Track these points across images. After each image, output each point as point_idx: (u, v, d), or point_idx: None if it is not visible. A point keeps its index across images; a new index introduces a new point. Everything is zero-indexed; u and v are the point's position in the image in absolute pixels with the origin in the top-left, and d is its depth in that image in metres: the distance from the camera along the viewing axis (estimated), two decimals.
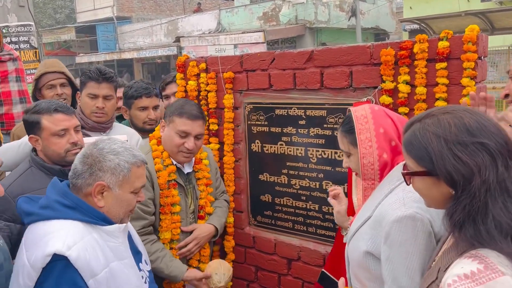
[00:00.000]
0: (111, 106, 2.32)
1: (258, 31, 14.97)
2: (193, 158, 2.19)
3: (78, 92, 2.37)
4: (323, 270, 1.57)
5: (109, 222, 1.45)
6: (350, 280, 1.51)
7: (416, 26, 12.80)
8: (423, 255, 1.22)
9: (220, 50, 15.01)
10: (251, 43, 14.69)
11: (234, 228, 2.50)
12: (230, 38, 15.44)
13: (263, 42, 14.51)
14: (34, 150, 1.90)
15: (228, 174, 2.43)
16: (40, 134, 1.81)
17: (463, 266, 0.95)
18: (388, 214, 1.28)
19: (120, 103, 3.04)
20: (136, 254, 1.59)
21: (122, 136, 2.20)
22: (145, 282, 1.57)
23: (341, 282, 1.51)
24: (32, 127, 1.83)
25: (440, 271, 1.02)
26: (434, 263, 1.11)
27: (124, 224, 1.49)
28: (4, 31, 5.29)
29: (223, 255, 2.52)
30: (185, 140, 2.05)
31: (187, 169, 2.17)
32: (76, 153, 1.79)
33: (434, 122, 1.04)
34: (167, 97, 2.84)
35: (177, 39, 17.40)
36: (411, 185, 1.13)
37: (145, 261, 1.64)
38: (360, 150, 1.43)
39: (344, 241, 1.59)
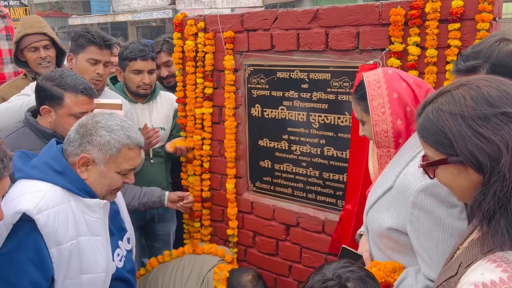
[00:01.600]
0: (108, 72, 2.31)
1: None
2: None
3: (70, 54, 2.26)
4: (343, 246, 1.55)
5: (92, 195, 1.43)
6: (370, 248, 1.48)
7: None
8: (453, 222, 1.17)
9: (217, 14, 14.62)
10: (249, 7, 14.31)
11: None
12: (227, 1, 15.03)
13: (261, 6, 14.14)
14: (29, 111, 1.85)
15: (229, 139, 2.37)
16: (58, 109, 1.76)
17: (484, 272, 0.83)
18: (412, 184, 1.21)
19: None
20: (120, 231, 1.58)
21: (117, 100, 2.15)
22: (120, 260, 1.56)
23: (366, 255, 1.48)
24: (50, 98, 1.75)
25: (461, 266, 0.92)
26: (455, 255, 1.01)
27: (105, 201, 1.46)
28: None
29: (226, 221, 2.50)
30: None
31: None
32: None
33: (448, 100, 0.90)
34: (158, 67, 2.68)
35: (173, 2, 16.91)
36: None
37: (128, 239, 1.62)
38: (372, 117, 1.36)
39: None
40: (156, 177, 2.53)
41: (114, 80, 2.74)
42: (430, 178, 1.00)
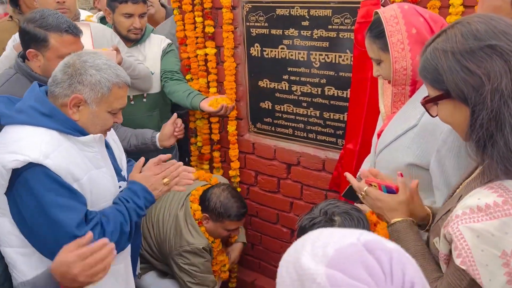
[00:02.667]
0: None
1: None
2: None
3: (106, 9, 2.32)
4: (351, 184, 1.59)
5: (83, 133, 1.42)
6: None
7: None
8: None
9: None
10: None
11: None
12: None
13: None
14: (20, 56, 1.80)
15: (228, 80, 2.34)
16: (44, 52, 1.70)
17: (480, 197, 0.89)
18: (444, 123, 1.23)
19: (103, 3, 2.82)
20: (116, 168, 1.59)
21: (112, 52, 2.04)
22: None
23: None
24: (34, 41, 1.68)
25: (461, 198, 0.97)
26: (456, 191, 1.06)
27: (99, 134, 1.46)
28: None
29: (229, 162, 2.55)
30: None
31: None
32: None
33: (443, 38, 0.94)
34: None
35: None
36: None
37: (124, 176, 1.64)
38: (392, 54, 1.32)
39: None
40: (146, 125, 2.42)
41: (103, 20, 2.65)
42: (432, 116, 1.04)
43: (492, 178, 0.91)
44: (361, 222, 1.35)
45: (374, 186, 1.24)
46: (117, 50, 2.06)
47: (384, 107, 1.54)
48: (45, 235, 1.32)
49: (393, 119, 1.45)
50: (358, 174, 1.71)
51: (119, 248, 1.45)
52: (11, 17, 2.54)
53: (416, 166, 1.33)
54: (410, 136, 1.34)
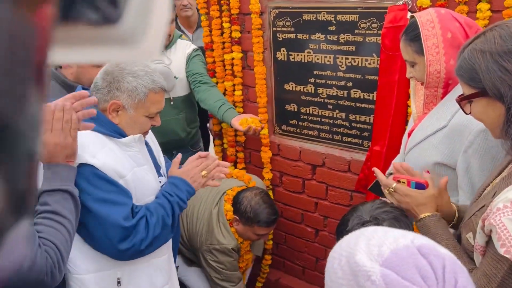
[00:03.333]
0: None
1: None
2: None
3: None
4: (377, 180, 1.64)
5: (124, 135, 1.51)
6: None
7: None
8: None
9: None
10: None
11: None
12: None
13: None
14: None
15: (260, 85, 2.40)
16: None
17: None
18: (472, 123, 1.27)
19: None
20: (155, 165, 1.67)
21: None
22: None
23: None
24: None
25: (496, 194, 1.01)
26: (486, 190, 1.10)
27: (139, 135, 1.54)
28: None
29: (259, 165, 2.60)
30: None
31: None
32: None
33: (481, 40, 1.00)
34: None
35: None
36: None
37: (163, 173, 1.72)
38: (426, 58, 1.37)
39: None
40: (173, 127, 2.51)
41: None
42: (465, 113, 1.10)
43: None
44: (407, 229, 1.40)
45: (403, 182, 1.27)
46: None
47: (416, 107, 1.59)
48: (95, 229, 1.41)
49: (424, 119, 1.49)
50: (386, 173, 1.76)
51: (162, 240, 1.53)
52: None
53: (444, 165, 1.38)
54: (440, 136, 1.39)
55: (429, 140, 1.42)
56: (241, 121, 2.28)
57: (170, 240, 1.68)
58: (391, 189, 1.27)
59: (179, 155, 1.73)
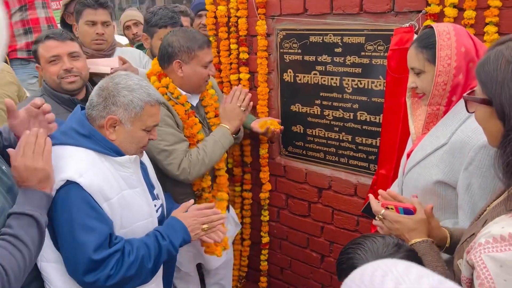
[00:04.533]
0: (110, 32, 2.33)
1: None
2: None
3: (74, 24, 2.34)
4: (370, 199, 1.60)
5: (120, 154, 1.50)
6: None
7: None
8: None
9: None
10: None
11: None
12: None
13: None
14: None
15: (261, 105, 2.40)
16: (40, 62, 1.90)
17: (504, 226, 0.88)
18: (473, 139, 1.24)
19: (135, 30, 2.98)
20: (149, 187, 1.65)
21: (115, 59, 2.16)
22: (156, 211, 1.65)
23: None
24: (35, 57, 1.93)
25: (486, 223, 0.96)
26: (482, 215, 1.06)
27: (135, 156, 1.53)
28: None
29: (259, 185, 2.58)
30: (209, 69, 2.03)
31: (194, 101, 2.10)
32: (72, 81, 1.89)
33: None
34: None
35: None
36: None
37: (157, 195, 1.70)
38: (437, 67, 1.35)
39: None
40: None
41: (140, 47, 2.78)
42: (468, 111, 1.06)
43: None
44: None
45: (391, 208, 1.25)
46: (122, 59, 2.18)
47: (414, 128, 1.55)
48: (67, 252, 1.38)
49: (423, 138, 1.46)
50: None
51: (136, 283, 1.47)
52: None
53: (444, 184, 1.34)
54: (440, 154, 1.36)
55: (429, 158, 1.39)
56: (260, 124, 2.29)
57: (160, 270, 1.62)
58: (380, 215, 1.23)
59: (191, 201, 1.71)
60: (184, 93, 2.03)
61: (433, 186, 1.35)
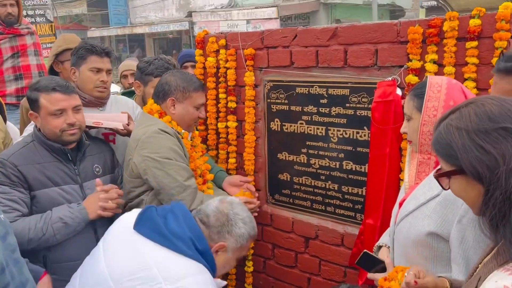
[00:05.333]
0: (110, 80, 2.37)
1: (271, 7, 14.71)
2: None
3: (72, 68, 2.30)
4: (365, 251, 1.57)
5: (213, 277, 1.53)
6: (393, 260, 1.50)
7: (434, 3, 12.45)
8: None
9: (233, 26, 14.82)
10: (264, 19, 14.46)
11: None
12: (242, 14, 15.21)
13: (276, 18, 14.28)
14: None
15: (248, 152, 2.42)
16: (39, 112, 1.85)
17: (498, 280, 0.87)
18: None
19: (131, 80, 3.04)
20: None
21: (124, 114, 2.20)
22: None
23: (388, 261, 1.51)
24: (32, 104, 1.86)
25: (481, 280, 0.96)
26: (476, 272, 1.05)
27: (225, 283, 1.61)
28: None
29: None
30: (200, 111, 2.13)
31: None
32: (73, 133, 1.88)
33: (457, 116, 0.99)
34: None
35: (189, 14, 17.19)
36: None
37: None
38: (422, 117, 1.41)
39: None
40: None
41: (129, 94, 2.82)
42: (444, 189, 1.07)
43: (509, 259, 0.90)
44: None
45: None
46: (129, 116, 2.22)
47: (408, 176, 1.56)
48: None
49: (416, 188, 1.47)
50: (375, 245, 1.70)
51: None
52: None
53: (437, 236, 1.33)
54: (432, 205, 1.35)
55: (422, 209, 1.38)
56: (235, 193, 2.31)
57: None
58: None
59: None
60: (184, 130, 2.13)
61: (425, 237, 1.34)
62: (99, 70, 2.22)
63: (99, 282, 1.42)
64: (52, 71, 2.73)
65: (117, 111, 2.31)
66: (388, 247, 1.61)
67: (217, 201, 1.61)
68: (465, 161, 0.94)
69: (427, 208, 1.36)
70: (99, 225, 1.91)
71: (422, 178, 1.49)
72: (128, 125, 2.19)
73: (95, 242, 1.90)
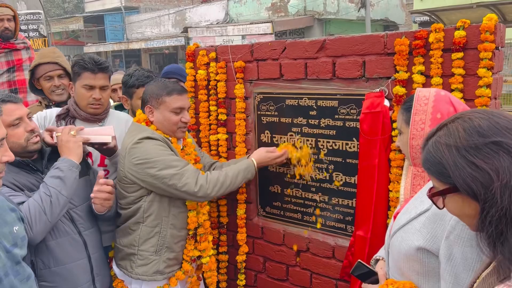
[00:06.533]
0: (107, 96, 2.29)
1: (266, 22, 14.88)
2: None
3: (70, 83, 2.29)
4: (359, 260, 1.55)
5: None
6: (388, 273, 1.48)
7: (426, 18, 12.66)
8: None
9: (228, 41, 14.95)
10: (259, 34, 14.61)
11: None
12: (238, 29, 15.36)
13: (271, 33, 14.43)
14: None
15: None
16: None
17: None
18: None
19: (120, 93, 3.04)
20: None
21: (109, 126, 2.14)
22: None
23: (381, 273, 1.49)
24: None
25: None
26: (474, 286, 1.01)
27: None
28: None
29: (236, 247, 2.52)
30: (181, 115, 2.10)
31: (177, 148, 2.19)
32: (36, 141, 1.84)
33: (444, 132, 0.96)
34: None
35: (185, 30, 17.36)
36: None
37: None
38: (411, 131, 1.41)
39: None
40: None
41: (120, 108, 2.81)
42: (439, 208, 1.04)
43: (508, 275, 0.87)
44: None
45: None
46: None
47: (404, 189, 1.55)
48: None
49: (409, 202, 1.45)
50: (373, 258, 1.67)
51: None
52: (40, 102, 2.74)
53: (427, 251, 1.30)
54: (422, 220, 1.32)
55: (413, 223, 1.36)
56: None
57: None
58: None
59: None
60: (171, 136, 2.13)
61: (415, 252, 1.31)
62: (91, 87, 2.18)
63: None
64: (33, 89, 2.71)
65: (110, 124, 2.26)
66: (385, 260, 1.59)
67: None
68: (458, 179, 0.91)
69: (417, 223, 1.34)
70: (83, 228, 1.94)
71: (416, 191, 1.48)
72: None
73: (82, 244, 1.93)
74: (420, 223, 1.33)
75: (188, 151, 2.22)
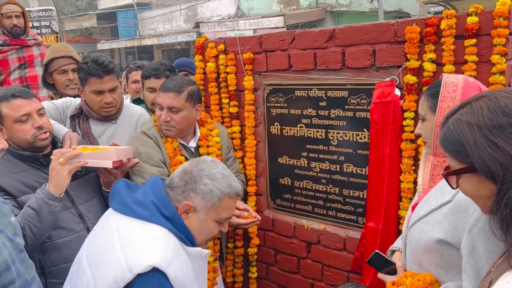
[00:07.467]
0: (118, 97, 2.23)
1: (278, 16, 14.79)
2: (198, 134, 2.19)
3: (79, 87, 2.25)
4: (376, 251, 1.53)
5: (193, 244, 1.42)
6: (405, 264, 1.45)
7: (441, 9, 12.42)
8: None
9: (240, 35, 14.92)
10: (270, 28, 14.53)
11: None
12: (249, 23, 15.32)
13: (283, 27, 14.34)
14: None
15: (249, 157, 2.40)
16: (3, 122, 1.76)
17: (509, 281, 0.83)
18: None
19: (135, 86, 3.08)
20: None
21: (112, 151, 1.95)
22: None
23: (399, 264, 1.46)
24: None
25: (492, 283, 0.91)
26: (488, 275, 0.99)
27: (207, 251, 1.47)
28: None
29: (247, 239, 2.51)
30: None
31: (191, 144, 2.17)
32: (45, 138, 1.81)
33: (467, 111, 0.93)
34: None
35: (197, 25, 17.39)
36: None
37: None
38: (437, 118, 1.33)
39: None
40: None
41: (137, 102, 2.82)
42: (452, 188, 1.02)
43: None
44: None
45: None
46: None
47: (422, 179, 1.50)
48: None
49: (429, 192, 1.41)
50: (389, 249, 1.65)
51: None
52: (51, 98, 2.77)
53: (447, 244, 1.26)
54: (443, 211, 1.29)
55: (433, 215, 1.32)
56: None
57: None
58: None
59: None
60: (179, 140, 2.14)
61: (435, 244, 1.28)
62: (100, 92, 2.14)
63: (79, 268, 1.41)
64: (46, 84, 2.74)
65: (125, 122, 2.29)
66: (402, 251, 1.56)
67: (186, 162, 1.51)
68: (477, 159, 0.88)
69: (438, 214, 1.30)
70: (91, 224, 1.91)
71: (436, 181, 1.43)
72: (127, 161, 2.00)
73: None
74: (441, 215, 1.29)
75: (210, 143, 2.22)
